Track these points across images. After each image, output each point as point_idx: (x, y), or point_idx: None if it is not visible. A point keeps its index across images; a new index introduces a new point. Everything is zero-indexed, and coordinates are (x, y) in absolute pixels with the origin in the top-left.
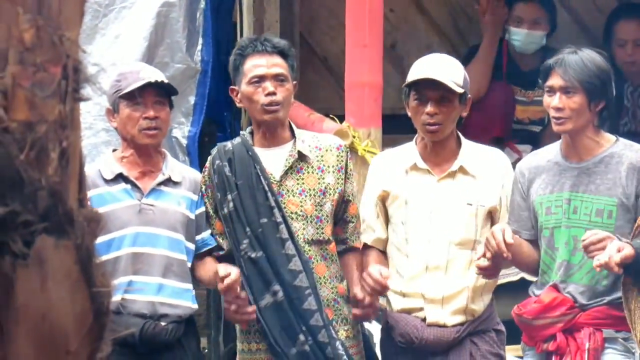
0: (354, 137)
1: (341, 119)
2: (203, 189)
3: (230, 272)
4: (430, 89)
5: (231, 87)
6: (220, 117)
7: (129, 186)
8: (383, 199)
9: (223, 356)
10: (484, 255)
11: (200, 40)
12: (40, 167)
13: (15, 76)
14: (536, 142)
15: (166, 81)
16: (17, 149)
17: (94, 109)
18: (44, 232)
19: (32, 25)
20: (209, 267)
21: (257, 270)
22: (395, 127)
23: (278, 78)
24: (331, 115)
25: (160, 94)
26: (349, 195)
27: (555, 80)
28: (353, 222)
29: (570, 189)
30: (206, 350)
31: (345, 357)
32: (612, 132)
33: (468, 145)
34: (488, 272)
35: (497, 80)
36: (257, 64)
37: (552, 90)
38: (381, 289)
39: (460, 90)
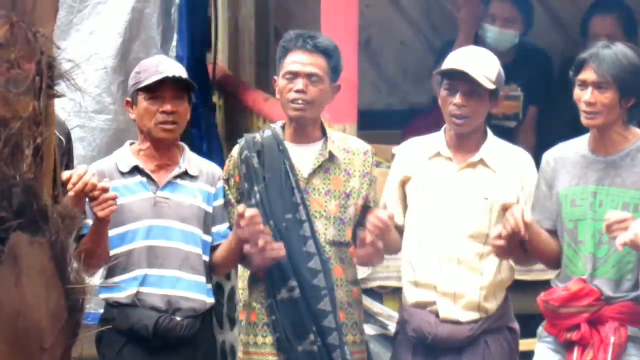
0: None
1: None
2: (225, 178)
3: (246, 209)
4: (460, 80)
5: (274, 77)
6: (195, 112)
7: (144, 179)
8: (404, 184)
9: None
10: (499, 237)
11: (175, 36)
12: (15, 164)
13: None
14: (510, 137)
15: (185, 76)
16: None
17: (68, 105)
18: (18, 229)
19: (6, 22)
20: (225, 242)
21: (277, 264)
22: (371, 123)
23: (311, 77)
24: None
25: (178, 88)
26: (370, 201)
27: (588, 74)
28: None
29: (596, 182)
30: None
31: None
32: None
33: (493, 140)
34: (503, 251)
35: None
36: (294, 60)
37: (584, 84)
38: (383, 227)
39: (491, 86)
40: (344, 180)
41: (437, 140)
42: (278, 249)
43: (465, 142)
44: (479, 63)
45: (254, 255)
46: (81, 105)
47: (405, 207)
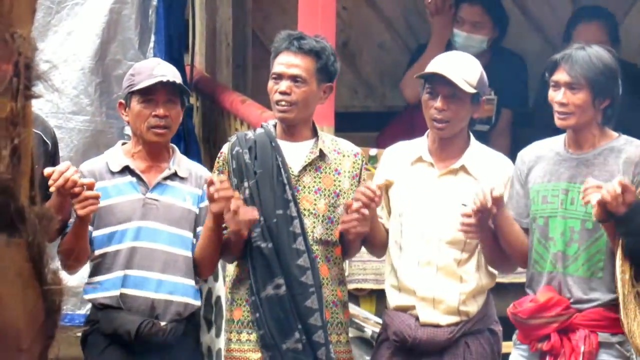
0: None
1: None
2: (215, 174)
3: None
4: (441, 84)
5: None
6: None
7: (134, 179)
8: (387, 188)
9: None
10: (468, 216)
11: (153, 37)
12: None
13: None
14: (483, 140)
15: (179, 81)
16: None
17: (46, 106)
18: None
19: None
20: (202, 231)
21: (264, 260)
22: (348, 125)
23: (295, 79)
24: None
25: (172, 92)
26: None
27: (560, 76)
28: None
29: (568, 180)
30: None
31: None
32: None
33: (476, 147)
34: (472, 228)
35: None
36: (280, 62)
37: (557, 85)
38: (371, 195)
39: (472, 91)
40: (334, 180)
41: (419, 146)
42: (252, 211)
43: (447, 148)
44: (460, 67)
45: (231, 224)
46: (59, 107)
47: (389, 211)
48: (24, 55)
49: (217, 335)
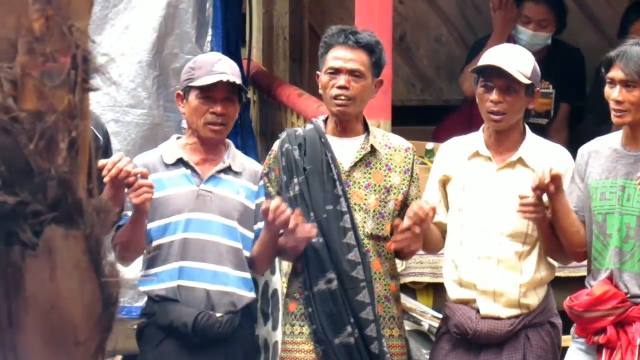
0: None
1: None
2: (265, 172)
3: (268, 204)
4: (496, 77)
5: (317, 72)
6: None
7: (188, 171)
8: (444, 184)
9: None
10: (525, 197)
11: (210, 31)
12: (50, 157)
13: (25, 66)
14: (542, 134)
15: (239, 80)
16: (26, 139)
17: (104, 99)
18: (53, 222)
19: (41, 15)
20: (259, 237)
21: (316, 256)
22: (405, 119)
23: (353, 73)
24: None
25: (231, 90)
26: (411, 198)
27: (615, 73)
28: None
29: (624, 177)
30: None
31: (389, 355)
32: None
33: (532, 139)
34: (531, 208)
35: None
36: (336, 56)
37: (612, 82)
38: (423, 216)
39: (527, 82)
40: (385, 175)
41: (475, 140)
42: (310, 230)
43: (504, 141)
44: (514, 59)
45: (288, 240)
46: (116, 100)
47: (447, 206)
48: (82, 48)
49: (274, 328)
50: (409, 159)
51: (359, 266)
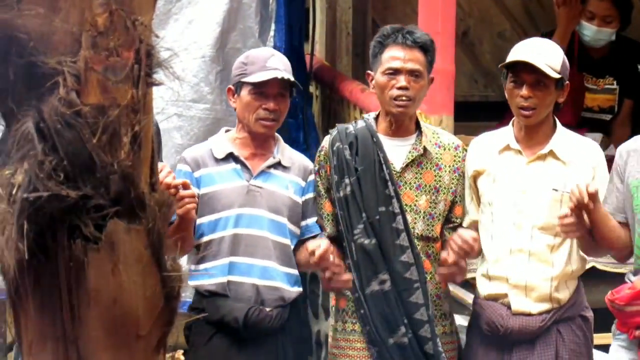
0: None
1: None
2: (316, 168)
3: (319, 244)
4: (526, 72)
5: (367, 71)
6: (292, 103)
7: (238, 166)
8: (475, 178)
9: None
10: (565, 216)
11: (273, 26)
12: (113, 151)
13: (88, 60)
14: (606, 130)
15: (291, 76)
16: (89, 133)
17: (167, 94)
18: (115, 216)
19: (105, 10)
20: (305, 247)
21: (368, 257)
22: (467, 115)
23: (413, 73)
24: None
25: (284, 86)
26: (458, 196)
27: None
28: (457, 223)
29: None
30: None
31: (444, 354)
32: None
33: (562, 132)
34: (572, 227)
35: None
36: (395, 56)
37: None
38: (468, 249)
39: (557, 76)
40: (435, 175)
41: (506, 134)
42: (346, 281)
43: (534, 135)
44: (543, 53)
45: (323, 281)
46: (179, 94)
47: (479, 201)
48: (145, 42)
49: None
50: (459, 157)
51: (413, 267)
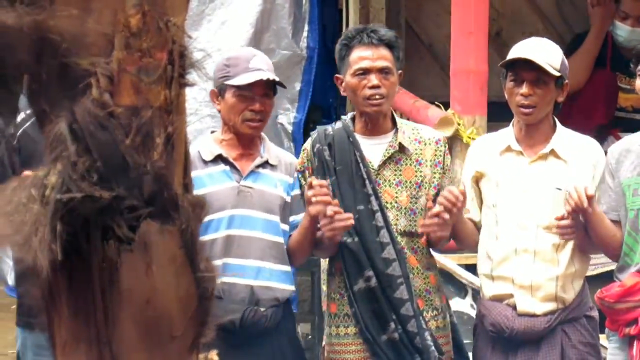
0: (458, 124)
1: (446, 106)
2: (301, 169)
3: (314, 179)
4: (526, 70)
5: (336, 75)
6: (325, 103)
7: (227, 168)
8: (477, 180)
9: None
10: (562, 217)
11: (306, 27)
12: (146, 152)
13: (121, 61)
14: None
15: (277, 79)
16: (122, 134)
17: (200, 95)
18: (148, 217)
19: (138, 11)
20: (299, 227)
21: (352, 255)
22: (501, 115)
23: (383, 71)
24: (436, 103)
25: (268, 86)
26: (444, 190)
27: None
28: None
29: None
30: (309, 337)
31: (433, 347)
32: None
33: (563, 131)
34: (569, 229)
35: (600, 67)
36: (363, 56)
37: None
38: (454, 200)
39: (556, 74)
40: (415, 171)
41: (506, 135)
42: (347, 218)
43: (534, 134)
44: (543, 51)
45: (326, 229)
46: None
47: (480, 203)
48: (178, 43)
49: None
50: (440, 151)
51: (394, 263)
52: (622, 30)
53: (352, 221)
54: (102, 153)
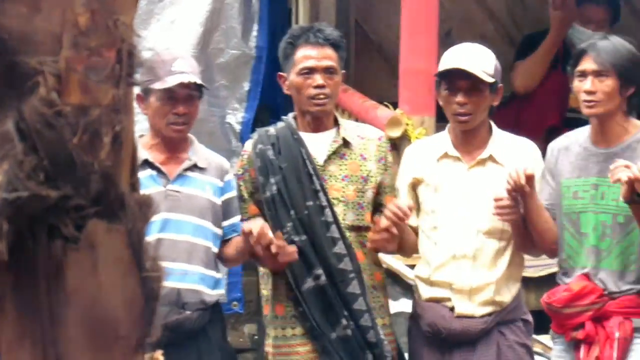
0: (407, 124)
1: (395, 106)
2: (240, 173)
3: (254, 224)
4: (460, 78)
5: (279, 73)
6: (274, 103)
7: (154, 172)
8: (414, 186)
9: None
10: (501, 199)
11: (256, 27)
12: (93, 151)
13: (69, 60)
14: None
15: (199, 82)
16: (70, 133)
17: None
18: (95, 216)
19: (87, 10)
20: (236, 240)
21: (300, 253)
22: None
23: (328, 71)
24: (385, 103)
25: (192, 88)
26: (386, 187)
27: (587, 64)
28: None
29: (597, 175)
30: (256, 337)
31: (386, 342)
32: None
33: (499, 134)
34: (508, 210)
35: (553, 69)
36: (308, 56)
37: (583, 75)
38: (401, 214)
39: (491, 80)
40: (360, 165)
41: (442, 141)
42: (291, 253)
43: (471, 140)
44: (476, 58)
45: (268, 262)
46: None
47: (417, 208)
48: (127, 42)
49: None
50: (383, 147)
51: (346, 258)
52: (584, 35)
53: (295, 255)
54: (49, 152)
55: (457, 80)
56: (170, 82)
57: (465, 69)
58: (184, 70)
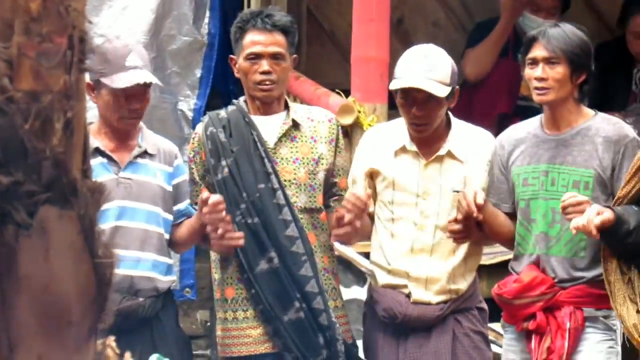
0: (359, 112)
1: (347, 93)
2: (191, 156)
3: (210, 195)
4: (416, 91)
5: (231, 56)
6: (226, 90)
7: (105, 160)
8: (371, 175)
9: None
10: (455, 220)
11: (207, 13)
12: (45, 137)
13: (21, 46)
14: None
15: (153, 80)
16: (21, 119)
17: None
18: (47, 202)
19: None
20: (187, 221)
21: (253, 236)
22: None
23: (275, 57)
24: (337, 90)
25: (144, 83)
26: (339, 169)
27: (538, 52)
28: (342, 195)
29: (547, 161)
30: (208, 324)
31: (338, 325)
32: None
33: (458, 128)
34: (460, 234)
35: (503, 57)
36: (255, 41)
37: (534, 62)
38: (362, 206)
39: (447, 91)
40: (311, 147)
41: (400, 133)
42: (237, 239)
43: (429, 136)
44: (432, 70)
45: (214, 244)
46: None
47: (374, 195)
48: (79, 28)
49: None
50: (333, 129)
51: (298, 240)
52: (534, 23)
53: (242, 241)
54: (1, 138)
55: (412, 92)
56: (124, 81)
57: (421, 88)
58: (137, 64)
